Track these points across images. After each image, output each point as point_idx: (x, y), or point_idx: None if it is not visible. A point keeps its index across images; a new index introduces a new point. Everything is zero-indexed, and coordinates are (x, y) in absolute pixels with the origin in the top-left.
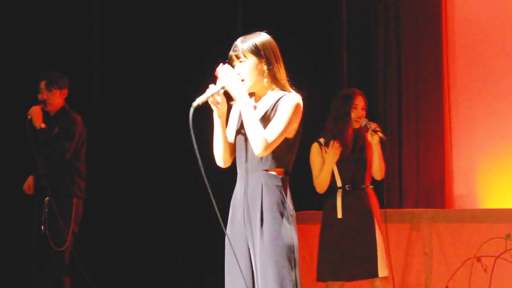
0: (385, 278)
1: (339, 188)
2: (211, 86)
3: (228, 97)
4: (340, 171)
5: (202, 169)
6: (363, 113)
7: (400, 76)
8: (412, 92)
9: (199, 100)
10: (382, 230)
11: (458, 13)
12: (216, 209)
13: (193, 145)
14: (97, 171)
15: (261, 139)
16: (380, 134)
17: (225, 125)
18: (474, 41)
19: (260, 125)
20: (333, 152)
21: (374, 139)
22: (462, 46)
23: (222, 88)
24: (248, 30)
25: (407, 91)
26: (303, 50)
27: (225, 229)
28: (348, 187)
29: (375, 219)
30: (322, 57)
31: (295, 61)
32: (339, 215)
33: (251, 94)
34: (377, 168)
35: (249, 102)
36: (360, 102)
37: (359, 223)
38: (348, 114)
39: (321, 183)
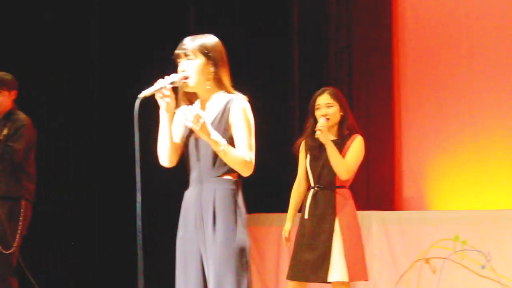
0: (339, 283)
1: (311, 187)
2: (160, 80)
3: (176, 94)
4: (311, 170)
5: (138, 165)
6: (328, 111)
7: (351, 78)
8: (362, 94)
9: (145, 93)
10: (354, 233)
11: (408, 11)
12: (139, 210)
13: (139, 140)
14: (97, 171)
15: (242, 161)
16: (317, 133)
17: (172, 122)
18: (424, 43)
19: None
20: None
21: (321, 138)
22: (412, 48)
23: (171, 83)
24: (199, 31)
25: (357, 93)
26: (255, 53)
27: (140, 230)
28: (317, 187)
29: (338, 221)
30: (273, 58)
31: (246, 68)
32: (305, 215)
33: (194, 95)
34: (332, 167)
35: (219, 139)
36: (322, 101)
37: (318, 225)
38: (312, 115)
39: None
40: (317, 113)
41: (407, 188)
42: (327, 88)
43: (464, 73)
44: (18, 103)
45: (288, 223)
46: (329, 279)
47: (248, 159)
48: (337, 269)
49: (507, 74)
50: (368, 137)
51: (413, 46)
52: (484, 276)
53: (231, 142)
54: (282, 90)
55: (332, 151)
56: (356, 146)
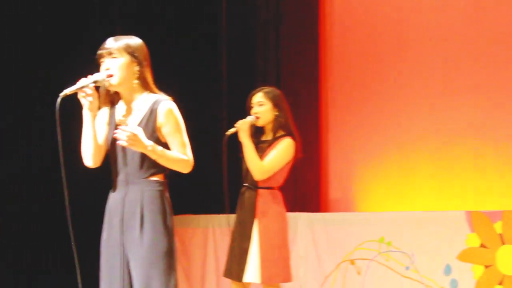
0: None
1: (242, 186)
2: (83, 79)
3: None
4: (242, 168)
5: (62, 165)
6: (258, 109)
7: (279, 80)
8: (288, 94)
9: (67, 91)
10: (276, 235)
11: (334, 15)
12: (68, 212)
13: (64, 139)
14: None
15: (180, 160)
16: (231, 129)
17: (95, 121)
18: (352, 44)
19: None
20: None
21: (239, 136)
22: (340, 50)
23: (94, 82)
24: (124, 32)
25: (284, 92)
26: (182, 57)
27: (72, 233)
28: (244, 185)
29: (257, 223)
30: (200, 60)
31: (173, 73)
32: (234, 214)
33: (116, 95)
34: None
35: (154, 147)
36: (255, 99)
37: (240, 224)
38: (248, 114)
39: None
40: (251, 112)
41: (333, 190)
42: (264, 87)
43: (392, 77)
44: None
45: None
46: (243, 280)
47: (186, 157)
48: (251, 271)
49: (434, 79)
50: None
51: (340, 47)
52: (408, 277)
53: (158, 144)
54: (210, 91)
55: (247, 150)
56: (279, 147)
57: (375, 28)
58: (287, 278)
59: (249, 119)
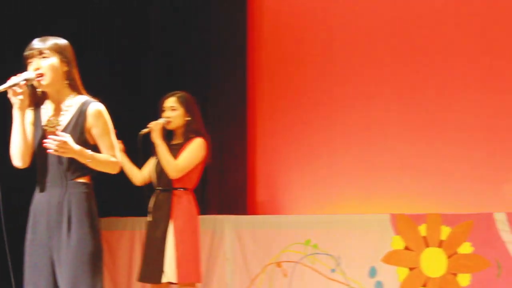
0: (171, 284)
1: (155, 189)
2: (13, 77)
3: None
4: (154, 171)
5: None
6: (170, 114)
7: (208, 83)
8: (217, 98)
9: None
10: (190, 236)
11: (263, 21)
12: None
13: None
14: None
15: (109, 162)
16: (144, 130)
17: (24, 120)
18: (281, 45)
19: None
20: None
21: (152, 137)
22: (267, 56)
23: (25, 80)
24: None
25: (214, 98)
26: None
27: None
28: (158, 189)
29: (172, 224)
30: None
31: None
32: (149, 218)
33: (42, 96)
34: (162, 166)
35: (83, 151)
36: (168, 104)
37: (155, 227)
38: (160, 117)
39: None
40: (163, 115)
41: (260, 192)
42: (176, 92)
43: (319, 81)
44: None
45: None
46: (162, 281)
47: (114, 159)
48: (168, 271)
49: (360, 83)
50: (222, 142)
51: (268, 52)
52: (334, 280)
53: (86, 145)
54: (136, 96)
55: (160, 149)
56: (191, 147)
57: (302, 33)
58: (199, 279)
59: (161, 121)
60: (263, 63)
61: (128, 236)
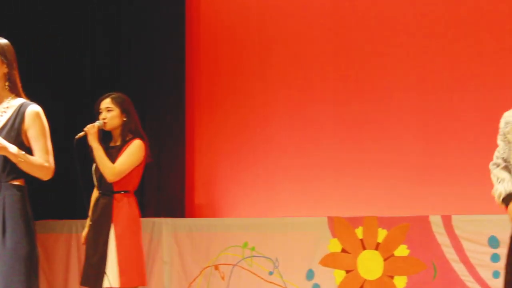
0: None
1: (98, 192)
2: None
3: None
4: (94, 175)
5: None
6: (106, 115)
7: (145, 87)
8: (155, 100)
9: None
10: (131, 239)
11: (201, 22)
12: None
13: None
14: None
15: (41, 167)
16: (80, 133)
17: None
18: (218, 50)
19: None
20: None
21: (89, 141)
22: (205, 59)
23: None
24: None
25: (150, 99)
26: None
27: None
28: (99, 192)
29: (114, 228)
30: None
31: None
32: (89, 222)
33: None
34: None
35: (16, 151)
36: (103, 105)
37: (97, 231)
38: (98, 119)
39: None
40: (99, 117)
41: (198, 196)
42: (112, 93)
43: (257, 86)
44: None
45: (85, 229)
46: (103, 285)
47: (47, 164)
48: (110, 276)
49: (300, 85)
50: (161, 146)
51: (207, 54)
52: (271, 282)
53: (22, 147)
54: (75, 99)
55: (97, 153)
56: (129, 149)
57: (240, 34)
58: (143, 282)
59: (97, 123)
60: (202, 69)
61: (64, 239)
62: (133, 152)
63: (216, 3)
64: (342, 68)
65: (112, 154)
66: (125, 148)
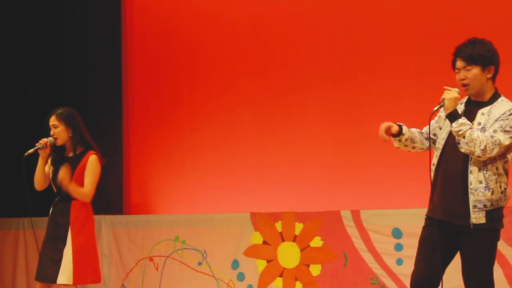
0: (65, 285)
1: (55, 198)
2: None
3: None
4: (52, 182)
5: None
6: (54, 131)
7: (83, 91)
8: (92, 108)
9: None
10: (87, 239)
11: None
12: None
13: None
14: None
15: None
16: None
17: None
18: (151, 55)
19: None
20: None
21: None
22: (141, 70)
23: None
24: None
25: (88, 105)
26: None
27: None
28: (58, 198)
29: (71, 230)
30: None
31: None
32: (48, 224)
33: None
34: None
35: None
36: (51, 122)
37: (55, 231)
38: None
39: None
40: (50, 133)
41: (134, 194)
42: (56, 109)
43: (186, 91)
44: None
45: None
46: (57, 282)
47: None
48: (65, 273)
49: (222, 90)
50: (99, 150)
51: (142, 59)
52: (201, 272)
53: None
54: (16, 103)
55: (67, 187)
56: (90, 167)
57: (170, 45)
58: (97, 279)
59: (49, 141)
60: (136, 77)
61: (12, 235)
62: (94, 169)
63: (151, 14)
64: (265, 70)
65: (71, 163)
66: (84, 162)
